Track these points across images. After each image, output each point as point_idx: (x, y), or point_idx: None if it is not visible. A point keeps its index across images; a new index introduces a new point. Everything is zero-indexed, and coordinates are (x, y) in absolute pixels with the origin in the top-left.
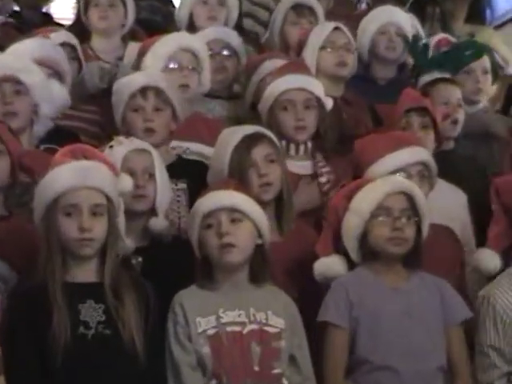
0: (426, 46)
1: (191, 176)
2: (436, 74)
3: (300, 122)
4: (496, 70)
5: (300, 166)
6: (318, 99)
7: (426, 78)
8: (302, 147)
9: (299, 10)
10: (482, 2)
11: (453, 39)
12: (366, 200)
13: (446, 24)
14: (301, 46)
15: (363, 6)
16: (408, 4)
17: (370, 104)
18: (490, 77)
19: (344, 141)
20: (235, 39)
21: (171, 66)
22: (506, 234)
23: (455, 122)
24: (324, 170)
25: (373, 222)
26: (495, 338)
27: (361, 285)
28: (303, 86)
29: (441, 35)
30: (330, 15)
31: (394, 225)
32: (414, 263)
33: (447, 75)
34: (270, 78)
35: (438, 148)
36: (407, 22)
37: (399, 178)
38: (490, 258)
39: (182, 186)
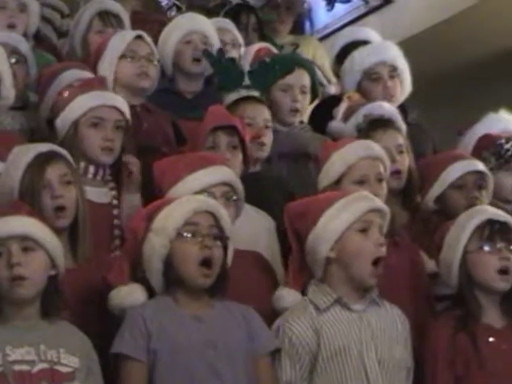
0: (233, 61)
1: None
2: (243, 92)
3: (108, 143)
4: (316, 88)
5: (97, 192)
6: (127, 122)
7: (231, 97)
8: (100, 171)
9: (105, 17)
10: (301, 13)
11: (273, 49)
12: (171, 217)
13: (264, 34)
14: (98, 54)
15: (173, 13)
16: (223, 12)
17: (173, 120)
18: (308, 96)
19: (143, 152)
20: (23, 44)
21: None
22: (302, 269)
23: (262, 144)
24: (115, 201)
25: (179, 241)
26: (291, 374)
27: (160, 314)
28: (116, 104)
29: (260, 44)
30: (136, 16)
31: (203, 243)
32: (220, 290)
33: (255, 93)
34: (74, 91)
35: (247, 170)
36: (213, 30)
37: (204, 197)
38: (287, 297)
39: None
